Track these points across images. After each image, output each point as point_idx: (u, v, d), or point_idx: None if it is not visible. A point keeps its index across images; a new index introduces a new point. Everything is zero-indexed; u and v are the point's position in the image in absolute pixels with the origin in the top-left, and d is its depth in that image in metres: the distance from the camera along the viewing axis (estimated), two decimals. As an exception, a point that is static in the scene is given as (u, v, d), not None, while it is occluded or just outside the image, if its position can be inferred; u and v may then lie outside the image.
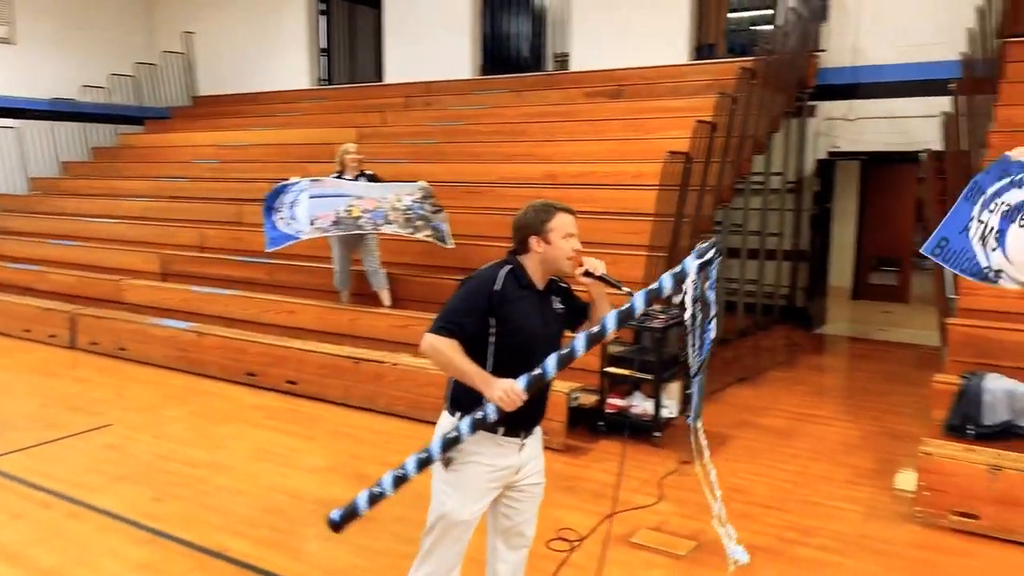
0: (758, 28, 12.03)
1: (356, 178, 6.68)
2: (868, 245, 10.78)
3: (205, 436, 5.31)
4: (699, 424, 2.52)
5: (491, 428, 2.45)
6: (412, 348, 6.02)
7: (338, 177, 6.73)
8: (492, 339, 2.45)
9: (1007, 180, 3.66)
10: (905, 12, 8.66)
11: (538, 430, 2.68)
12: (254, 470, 4.71)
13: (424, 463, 2.44)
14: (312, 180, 6.63)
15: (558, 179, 7.91)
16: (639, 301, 2.35)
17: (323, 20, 13.70)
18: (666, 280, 2.34)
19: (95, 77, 13.34)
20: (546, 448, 4.90)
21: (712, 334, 2.40)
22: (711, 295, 2.36)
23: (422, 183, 6.67)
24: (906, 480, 4.45)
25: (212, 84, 14.22)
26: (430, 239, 6.65)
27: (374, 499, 2.47)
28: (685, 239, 6.30)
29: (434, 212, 6.64)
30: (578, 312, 2.64)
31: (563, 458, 4.90)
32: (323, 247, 7.09)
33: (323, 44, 13.69)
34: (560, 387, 5.08)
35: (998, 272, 3.70)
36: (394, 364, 5.77)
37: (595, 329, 2.39)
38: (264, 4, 13.38)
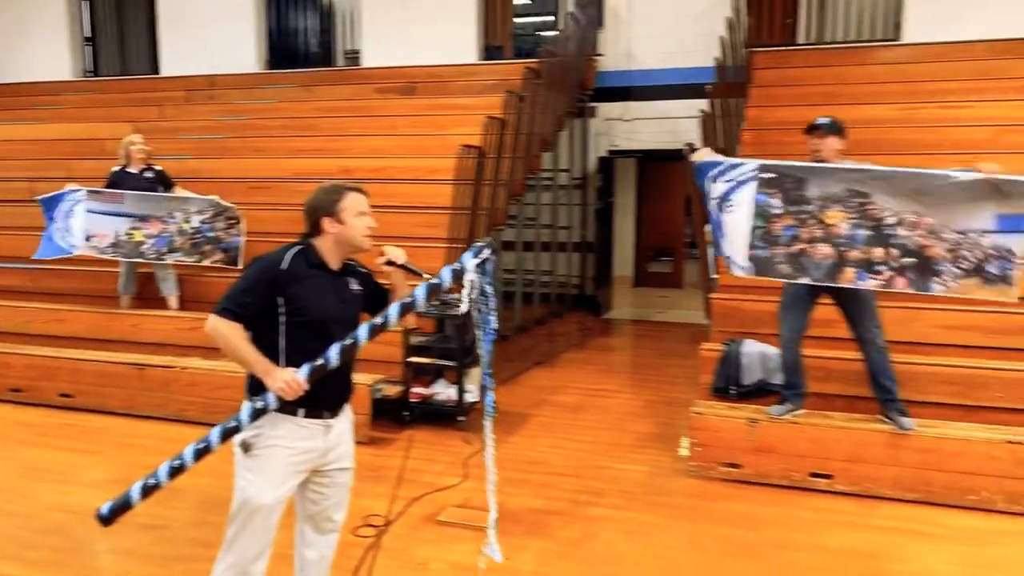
0: (542, 33, 12.72)
1: (142, 172, 6.24)
2: (646, 237, 11.72)
3: (-38, 460, 4.74)
4: (490, 420, 2.56)
5: (290, 410, 2.44)
6: (202, 351, 5.78)
7: (121, 170, 6.26)
8: (282, 319, 2.44)
9: (708, 178, 4.20)
10: (669, 21, 9.50)
11: (347, 412, 2.66)
12: (27, 490, 4.28)
13: (202, 453, 2.39)
14: (90, 191, 6.15)
15: (353, 174, 7.83)
16: (420, 294, 2.39)
17: (86, 6, 12.56)
18: (445, 274, 2.41)
19: None
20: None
21: (493, 326, 2.48)
22: (490, 290, 2.43)
23: (214, 198, 6.32)
24: (687, 446, 4.93)
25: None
26: (218, 264, 6.32)
27: (148, 490, 2.39)
28: (481, 231, 6.54)
29: (227, 228, 6.32)
30: (378, 297, 2.65)
31: (368, 449, 4.90)
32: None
33: (87, 32, 12.56)
34: (363, 379, 5.09)
35: (728, 258, 4.23)
36: (183, 368, 5.47)
37: (378, 320, 2.41)
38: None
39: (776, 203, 4.06)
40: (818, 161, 4.15)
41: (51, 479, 4.47)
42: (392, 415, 5.36)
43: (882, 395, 4.17)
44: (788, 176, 4.07)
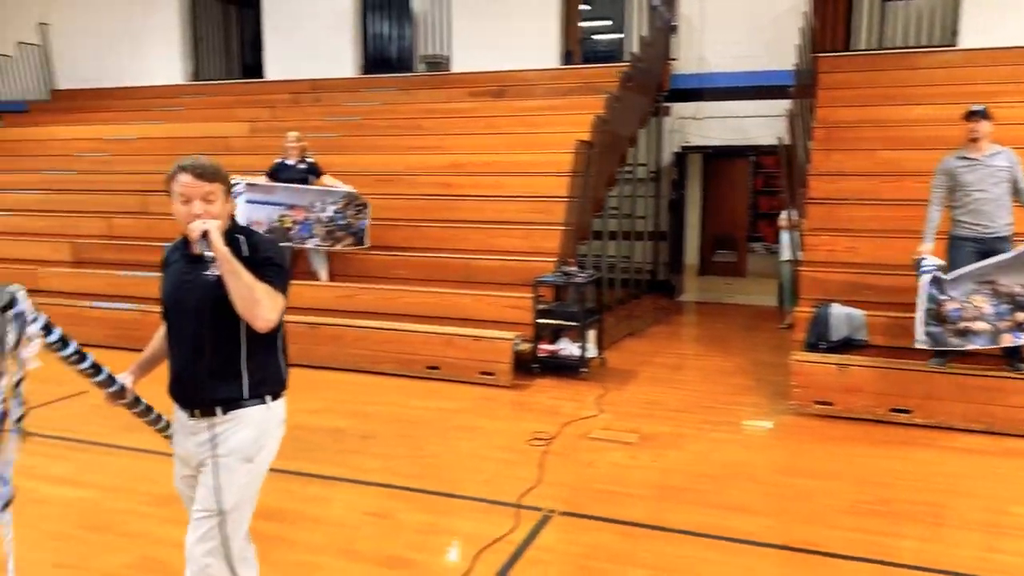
0: (599, 37, 13.70)
1: (297, 163, 7.31)
2: (710, 227, 12.56)
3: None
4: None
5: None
6: (358, 315, 6.83)
7: (281, 162, 7.33)
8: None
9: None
10: (739, 28, 10.36)
11: (224, 430, 2.27)
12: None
13: None
14: (248, 184, 7.17)
15: (463, 168, 8.88)
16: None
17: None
18: None
19: (-55, 67, 12.69)
20: (494, 386, 5.92)
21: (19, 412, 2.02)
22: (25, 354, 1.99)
23: (349, 189, 7.34)
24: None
25: (71, 77, 13.85)
26: (348, 248, 7.35)
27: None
28: (586, 217, 7.51)
29: (356, 215, 7.31)
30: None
31: (513, 392, 5.91)
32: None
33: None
34: (505, 335, 6.10)
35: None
36: (349, 326, 6.52)
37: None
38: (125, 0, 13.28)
39: (940, 292, 4.92)
40: (973, 140, 5.06)
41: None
42: (522, 367, 6.32)
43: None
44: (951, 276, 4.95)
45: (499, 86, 10.91)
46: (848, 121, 8.33)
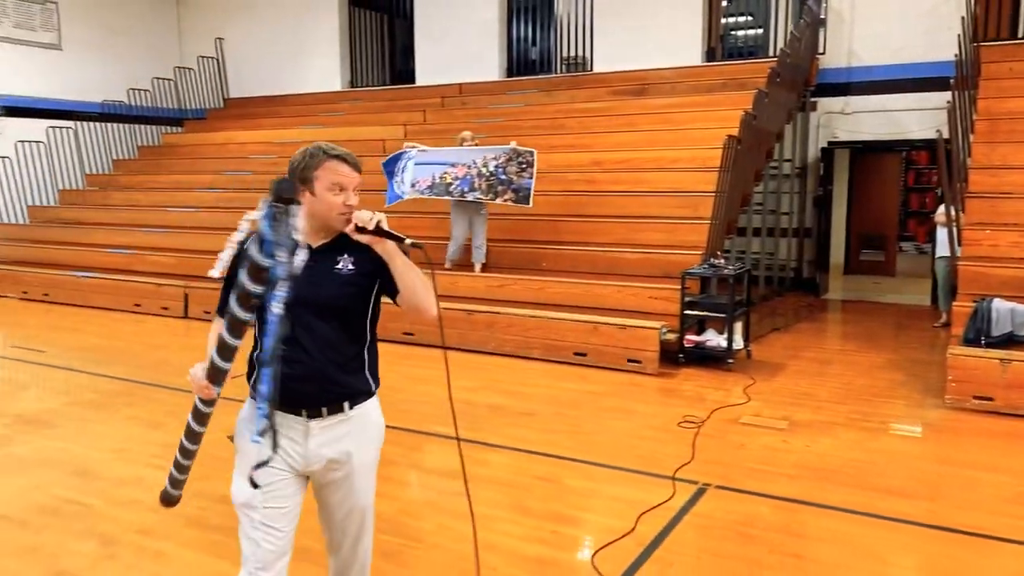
0: (740, 33, 13.51)
1: None
2: (857, 225, 12.20)
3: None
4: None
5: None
6: (509, 303, 7.24)
7: None
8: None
9: None
10: (892, 20, 10.07)
11: (352, 427, 2.21)
12: (411, 390, 5.81)
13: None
14: (420, 149, 7.80)
15: (604, 165, 9.15)
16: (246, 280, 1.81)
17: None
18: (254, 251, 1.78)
19: (139, 80, 14.21)
20: (641, 373, 6.15)
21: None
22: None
23: (512, 144, 7.77)
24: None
25: (243, 87, 15.15)
26: (508, 202, 7.76)
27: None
28: (733, 212, 7.60)
29: (520, 171, 7.70)
30: (381, 273, 2.19)
31: (659, 379, 6.12)
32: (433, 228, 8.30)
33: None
34: (653, 324, 6.32)
35: None
36: (501, 313, 6.93)
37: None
38: (292, 11, 14.39)
39: None
40: None
41: (430, 383, 5.98)
42: (667, 357, 6.50)
43: None
44: None
45: (639, 84, 11.09)
46: (1014, 112, 7.97)
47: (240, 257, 1.89)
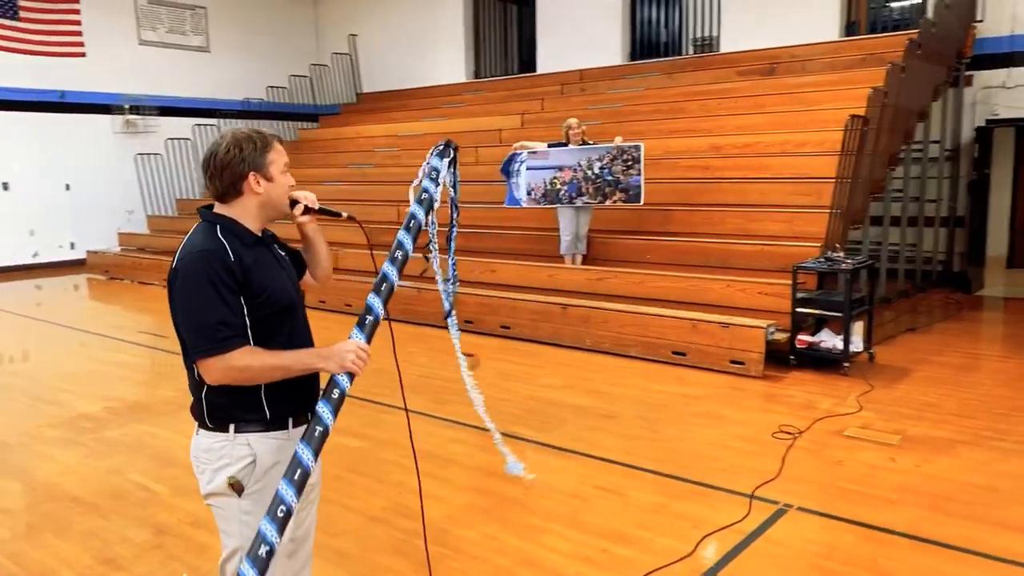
0: (894, 5, 12.28)
1: None
2: (1023, 213, 10.84)
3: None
4: (453, 319, 2.39)
5: (279, 425, 2.03)
6: (606, 297, 6.93)
7: (559, 145, 7.69)
8: (247, 319, 1.95)
9: None
10: (1067, -21, 8.83)
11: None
12: (506, 385, 5.67)
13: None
14: (530, 152, 7.62)
15: (723, 151, 8.59)
16: (405, 239, 2.12)
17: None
18: (428, 185, 2.23)
19: (277, 79, 14.94)
20: (744, 375, 5.71)
21: (455, 231, 2.37)
22: (456, 194, 2.32)
23: (617, 141, 7.46)
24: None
25: (375, 81, 15.58)
26: (619, 203, 7.45)
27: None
28: (860, 199, 6.89)
29: (626, 169, 7.38)
30: (296, 259, 2.24)
31: (763, 383, 5.64)
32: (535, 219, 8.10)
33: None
34: (757, 323, 5.83)
35: None
36: (598, 308, 6.64)
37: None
38: (421, 3, 14.59)
39: None
40: None
41: (517, 379, 5.83)
42: (777, 358, 5.99)
43: None
44: None
45: (769, 63, 10.37)
46: None
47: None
